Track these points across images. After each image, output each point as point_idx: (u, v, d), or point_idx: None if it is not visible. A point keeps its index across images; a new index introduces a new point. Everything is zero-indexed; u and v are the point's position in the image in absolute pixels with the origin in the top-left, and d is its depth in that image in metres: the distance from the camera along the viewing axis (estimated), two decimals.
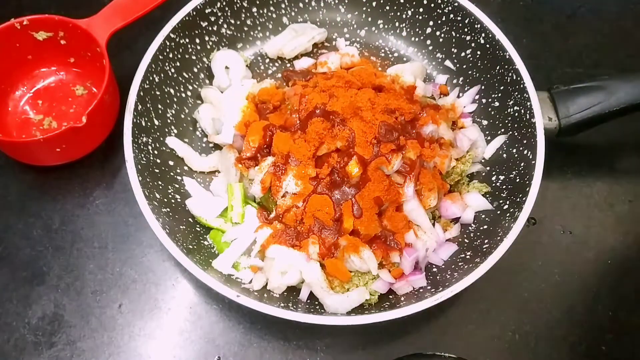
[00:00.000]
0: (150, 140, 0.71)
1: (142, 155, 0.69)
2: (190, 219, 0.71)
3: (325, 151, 0.66)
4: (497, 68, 0.75)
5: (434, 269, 0.69)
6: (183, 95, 0.78)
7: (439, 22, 0.80)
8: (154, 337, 0.68)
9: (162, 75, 0.74)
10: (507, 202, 0.69)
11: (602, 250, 0.75)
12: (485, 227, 0.70)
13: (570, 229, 0.76)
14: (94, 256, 0.71)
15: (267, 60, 0.84)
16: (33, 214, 0.74)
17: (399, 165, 0.67)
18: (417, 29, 0.83)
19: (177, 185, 0.73)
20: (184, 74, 0.78)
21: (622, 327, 0.71)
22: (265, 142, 0.70)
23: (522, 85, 0.71)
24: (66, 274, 0.70)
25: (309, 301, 0.66)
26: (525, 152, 0.70)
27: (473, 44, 0.78)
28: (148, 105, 0.72)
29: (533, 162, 0.67)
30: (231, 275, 0.66)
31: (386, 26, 0.85)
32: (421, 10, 0.81)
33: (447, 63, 0.82)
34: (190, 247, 0.66)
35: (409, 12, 0.82)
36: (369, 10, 0.84)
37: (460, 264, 0.66)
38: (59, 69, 0.80)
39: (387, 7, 0.83)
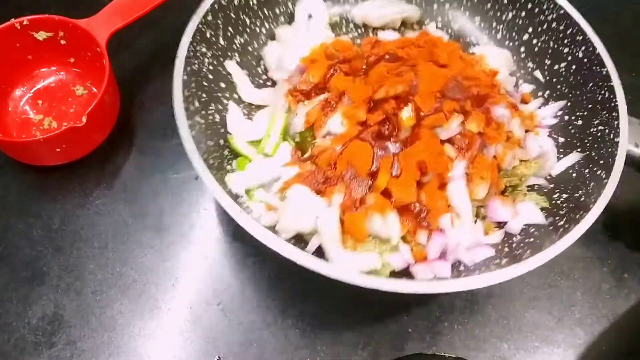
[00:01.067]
0: (209, 54, 0.70)
1: (197, 62, 0.67)
2: (221, 141, 0.69)
3: (383, 95, 0.62)
4: (590, 85, 0.71)
5: (461, 267, 0.64)
6: (257, 30, 0.77)
7: (539, 29, 0.76)
8: (154, 337, 0.68)
9: (243, 0, 0.73)
10: (564, 219, 0.64)
11: (602, 251, 0.75)
12: (532, 239, 0.64)
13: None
14: (94, 256, 0.71)
15: (352, 26, 0.82)
16: (33, 214, 0.74)
17: (456, 129, 0.61)
18: (514, 34, 0.79)
19: (220, 107, 0.71)
20: (265, 10, 0.77)
21: (624, 327, 0.71)
22: (324, 81, 0.66)
23: (613, 104, 0.67)
24: (66, 274, 0.70)
25: (314, 255, 0.60)
26: (599, 172, 0.65)
27: (570, 57, 0.74)
28: (218, 21, 0.70)
29: (605, 181, 0.62)
30: (242, 202, 0.64)
31: (483, 24, 0.81)
32: (523, 14, 0.77)
33: (537, 74, 0.78)
34: (211, 162, 0.63)
35: (510, 15, 0.78)
36: (468, 4, 0.81)
37: (492, 267, 0.62)
38: (59, 69, 0.80)
39: (489, 5, 0.79)
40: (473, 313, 0.70)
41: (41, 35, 0.75)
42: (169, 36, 0.72)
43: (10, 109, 0.78)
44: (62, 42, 0.76)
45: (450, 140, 0.62)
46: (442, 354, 0.63)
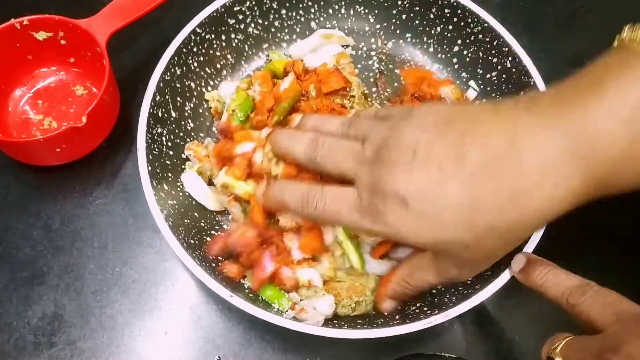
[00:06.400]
0: (165, 132, 0.71)
1: (155, 145, 0.69)
2: (195, 214, 0.71)
3: None
4: (521, 94, 0.73)
5: (433, 291, 0.67)
6: (204, 90, 0.78)
7: (467, 41, 0.79)
8: (154, 337, 0.68)
9: (184, 68, 0.74)
10: None
11: (604, 253, 0.75)
12: None
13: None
14: (94, 256, 0.71)
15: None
16: (33, 214, 0.74)
17: None
18: (445, 46, 0.81)
19: None
20: (207, 69, 0.78)
21: None
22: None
23: None
24: (66, 274, 0.70)
25: None
26: None
27: (499, 67, 0.76)
28: (167, 97, 0.72)
29: None
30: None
31: (414, 40, 0.83)
32: (450, 27, 0.79)
33: (472, 83, 0.80)
34: (192, 242, 0.66)
35: (438, 29, 0.81)
36: (398, 22, 0.83)
37: (460, 288, 0.65)
38: (59, 69, 0.80)
39: (417, 22, 0.82)
40: (473, 313, 0.70)
41: (41, 35, 0.75)
42: (169, 36, 0.73)
43: (10, 109, 0.78)
44: (62, 42, 0.76)
45: None
46: (442, 354, 0.63)
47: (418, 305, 0.65)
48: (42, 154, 0.72)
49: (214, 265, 0.66)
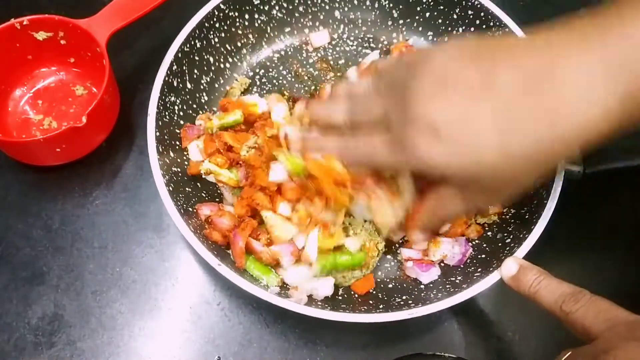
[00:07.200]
0: (178, 101, 0.72)
1: (167, 113, 0.70)
2: (198, 184, 0.71)
3: None
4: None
5: (421, 286, 0.68)
6: (222, 66, 0.79)
7: None
8: (154, 337, 0.68)
9: (205, 42, 0.75)
10: (511, 237, 0.67)
11: (603, 252, 0.75)
12: (484, 256, 0.69)
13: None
14: (94, 256, 0.71)
15: (311, 49, 0.85)
16: (33, 214, 0.74)
17: None
18: None
19: None
20: (227, 46, 0.79)
21: None
22: None
23: None
24: (66, 274, 0.70)
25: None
26: (541, 190, 0.67)
27: None
28: (184, 67, 0.73)
29: (545, 201, 0.65)
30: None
31: (435, 39, 0.84)
32: (472, 29, 0.79)
33: None
34: (190, 210, 0.66)
35: (460, 30, 0.80)
36: (421, 20, 0.83)
37: (447, 286, 0.66)
38: (59, 69, 0.80)
39: (440, 20, 0.82)
40: (473, 313, 0.70)
41: (41, 35, 0.75)
42: (169, 36, 0.73)
43: (10, 109, 0.78)
44: (62, 42, 0.76)
45: None
46: (442, 354, 0.63)
47: (403, 298, 0.65)
48: (42, 154, 0.72)
49: (203, 232, 0.66)
